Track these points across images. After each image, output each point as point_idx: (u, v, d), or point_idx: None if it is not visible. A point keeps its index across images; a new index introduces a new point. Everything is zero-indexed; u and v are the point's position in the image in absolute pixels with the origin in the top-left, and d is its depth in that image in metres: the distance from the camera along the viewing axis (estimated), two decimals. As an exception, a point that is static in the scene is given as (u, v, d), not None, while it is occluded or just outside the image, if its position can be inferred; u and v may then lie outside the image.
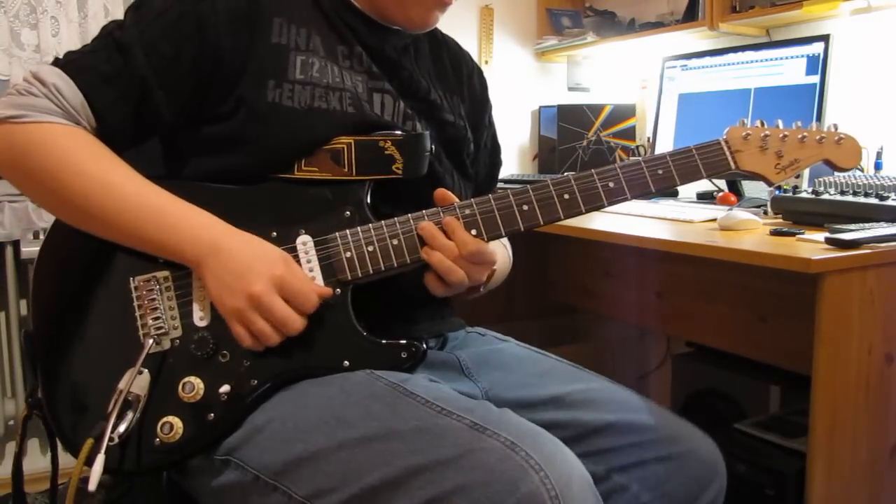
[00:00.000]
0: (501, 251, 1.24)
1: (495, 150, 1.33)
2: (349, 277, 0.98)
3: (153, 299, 0.97)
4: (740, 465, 1.59)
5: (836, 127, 1.10)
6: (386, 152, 1.01)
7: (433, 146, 1.07)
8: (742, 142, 1.06)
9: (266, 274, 0.91)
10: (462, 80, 1.24)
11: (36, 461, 2.12)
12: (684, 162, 1.03)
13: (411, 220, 1.00)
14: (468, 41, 2.71)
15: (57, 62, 0.97)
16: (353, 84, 1.05)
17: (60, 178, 0.93)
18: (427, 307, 1.11)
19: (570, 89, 2.94)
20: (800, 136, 1.07)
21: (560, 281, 2.43)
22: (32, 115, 0.92)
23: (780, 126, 1.08)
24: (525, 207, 1.00)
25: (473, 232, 0.99)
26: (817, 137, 1.08)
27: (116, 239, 0.96)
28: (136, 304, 0.97)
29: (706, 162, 1.04)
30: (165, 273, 0.98)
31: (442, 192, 1.01)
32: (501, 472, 0.79)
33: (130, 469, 0.94)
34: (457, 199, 1.01)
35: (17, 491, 1.06)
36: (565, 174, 1.03)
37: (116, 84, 0.96)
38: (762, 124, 1.07)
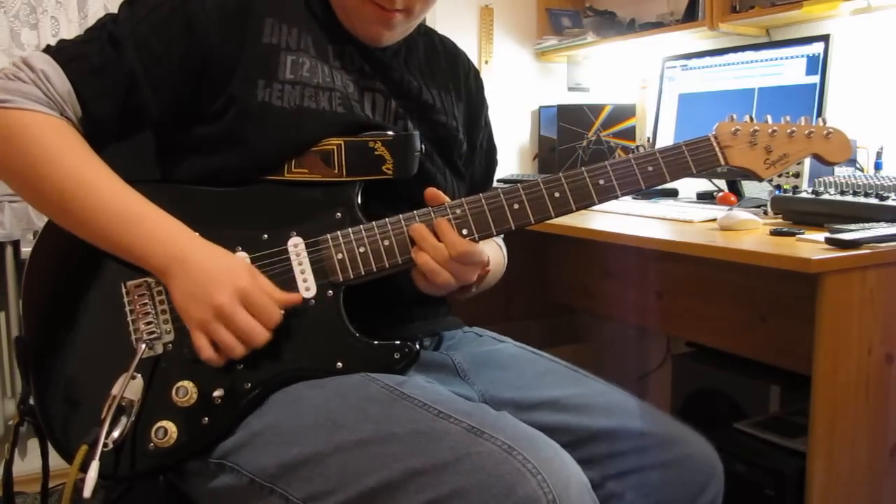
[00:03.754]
0: (495, 251, 1.23)
1: (491, 150, 1.33)
2: (341, 279, 0.98)
3: (145, 304, 0.97)
4: (740, 465, 1.59)
5: (824, 122, 1.09)
6: (376, 153, 1.01)
7: (424, 146, 1.07)
8: (731, 137, 1.05)
9: (230, 285, 0.91)
10: (458, 80, 1.24)
11: (38, 460, 2.12)
12: (674, 158, 1.03)
13: (402, 221, 0.99)
14: (468, 41, 2.71)
15: (48, 49, 0.97)
16: (343, 84, 1.05)
17: (37, 167, 0.92)
18: (421, 306, 1.11)
19: (570, 89, 2.93)
20: (788, 130, 1.07)
21: (560, 281, 2.43)
22: (18, 101, 0.92)
23: (770, 121, 1.08)
24: (516, 206, 1.00)
25: (465, 232, 0.99)
26: (806, 132, 1.07)
27: (87, 238, 0.95)
28: (127, 308, 0.97)
29: (696, 158, 1.03)
30: (157, 277, 0.97)
31: (433, 192, 1.00)
32: (498, 475, 0.79)
33: (125, 474, 0.93)
34: (447, 199, 1.01)
35: (7, 498, 1.06)
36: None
37: (105, 76, 0.96)
38: (751, 119, 1.07)
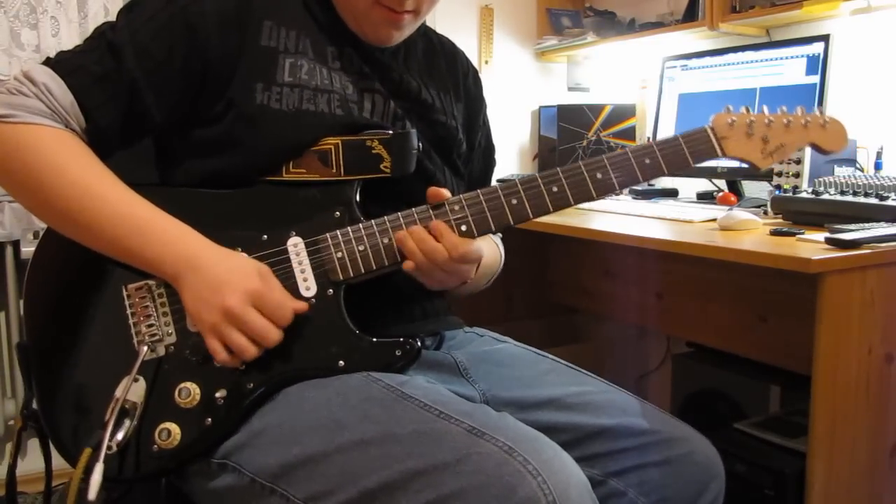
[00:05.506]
0: (490, 247, 1.23)
1: (489, 149, 1.33)
2: (341, 278, 0.98)
3: (146, 306, 0.97)
4: (740, 465, 1.59)
5: (821, 111, 1.09)
6: (373, 151, 1.01)
7: (421, 144, 1.07)
8: (728, 128, 1.05)
9: (240, 287, 0.91)
10: (457, 79, 1.24)
11: (39, 460, 2.12)
12: (671, 150, 1.03)
13: (401, 219, 1.00)
14: (468, 41, 2.71)
15: (48, 61, 0.97)
16: (342, 86, 1.05)
17: (43, 181, 0.93)
18: (422, 305, 1.11)
19: (570, 89, 2.93)
20: (785, 120, 1.07)
21: (560, 281, 2.43)
22: (22, 116, 0.92)
23: (766, 112, 1.07)
24: (514, 202, 1.00)
25: (463, 228, 0.99)
26: (802, 121, 1.07)
27: (96, 247, 0.95)
28: (129, 311, 0.97)
29: (693, 150, 1.03)
30: (157, 280, 0.97)
31: (435, 191, 1.00)
32: (499, 476, 0.79)
33: (129, 476, 0.93)
34: (449, 196, 1.01)
35: (10, 500, 1.06)
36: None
37: (107, 85, 0.96)
38: (747, 110, 1.07)
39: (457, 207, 1.00)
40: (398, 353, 0.98)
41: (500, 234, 1.31)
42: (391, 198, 1.02)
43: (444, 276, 0.99)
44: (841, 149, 1.10)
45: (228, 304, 0.90)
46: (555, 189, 1.00)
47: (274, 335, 0.92)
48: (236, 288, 0.91)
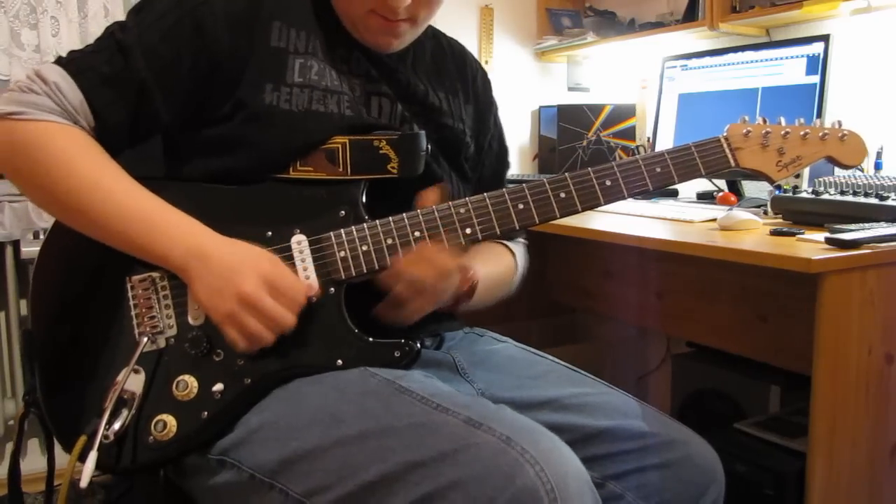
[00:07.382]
0: (501, 262, 1.23)
1: (502, 152, 1.32)
2: (343, 276, 0.98)
3: (149, 298, 0.97)
4: (740, 465, 1.59)
5: (839, 123, 1.08)
6: (381, 152, 1.01)
7: (429, 146, 1.07)
8: (742, 139, 1.04)
9: (254, 273, 0.91)
10: (466, 82, 1.23)
11: (37, 461, 2.12)
12: (683, 160, 1.02)
13: (406, 220, 0.99)
14: (468, 41, 2.70)
15: (59, 61, 0.98)
16: (350, 87, 1.05)
17: (53, 176, 0.93)
18: None
19: (570, 89, 2.94)
20: (802, 132, 1.06)
21: (560, 281, 2.43)
22: (32, 113, 0.93)
23: (783, 123, 1.06)
24: (521, 206, 1.00)
25: (468, 231, 0.99)
26: (820, 134, 1.06)
27: (105, 241, 0.96)
28: (132, 303, 0.98)
29: (706, 160, 1.03)
30: (161, 272, 0.98)
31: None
32: (496, 466, 0.79)
33: (125, 467, 0.94)
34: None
35: (13, 490, 1.06)
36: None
37: (115, 85, 0.97)
38: (764, 121, 1.06)
39: (462, 211, 1.00)
40: (397, 353, 0.98)
41: (524, 244, 1.30)
42: (398, 199, 1.02)
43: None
44: (859, 163, 1.08)
45: (244, 289, 0.90)
46: (562, 195, 1.00)
47: (289, 320, 0.92)
48: (250, 273, 0.91)
